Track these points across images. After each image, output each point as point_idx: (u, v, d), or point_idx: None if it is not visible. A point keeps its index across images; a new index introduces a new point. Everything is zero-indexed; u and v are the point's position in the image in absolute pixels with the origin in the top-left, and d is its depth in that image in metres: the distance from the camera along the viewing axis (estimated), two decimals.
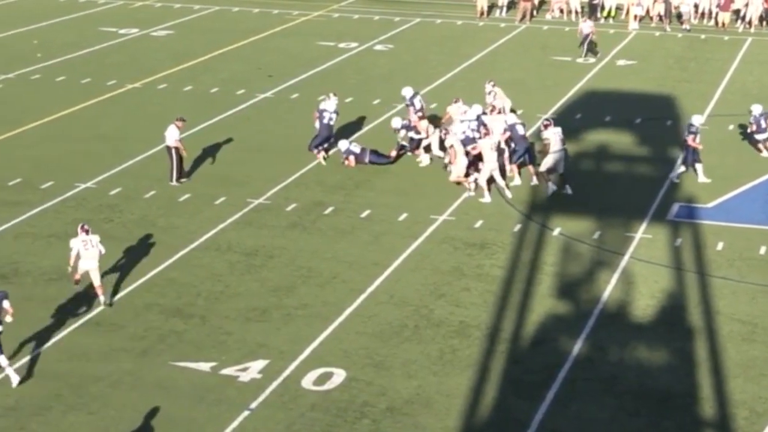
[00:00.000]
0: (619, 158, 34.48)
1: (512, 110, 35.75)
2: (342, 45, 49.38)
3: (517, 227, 29.04)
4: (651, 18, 54.35)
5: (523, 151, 32.00)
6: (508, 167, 32.02)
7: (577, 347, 22.79)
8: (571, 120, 38.08)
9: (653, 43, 50.58)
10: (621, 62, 46.72)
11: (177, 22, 54.15)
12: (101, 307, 24.33)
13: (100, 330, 23.46)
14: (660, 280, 25.93)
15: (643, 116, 38.63)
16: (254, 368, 21.89)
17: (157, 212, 29.85)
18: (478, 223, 29.22)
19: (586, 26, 47.72)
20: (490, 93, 35.68)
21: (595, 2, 54.99)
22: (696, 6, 54.86)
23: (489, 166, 30.79)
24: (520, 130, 32.09)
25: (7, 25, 52.25)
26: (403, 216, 29.66)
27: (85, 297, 24.83)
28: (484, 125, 31.80)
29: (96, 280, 24.49)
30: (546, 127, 31.46)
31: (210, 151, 34.59)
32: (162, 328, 23.52)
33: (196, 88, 42.02)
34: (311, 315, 24.21)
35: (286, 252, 27.47)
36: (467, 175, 31.32)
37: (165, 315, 24.13)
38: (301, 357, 22.33)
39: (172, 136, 31.56)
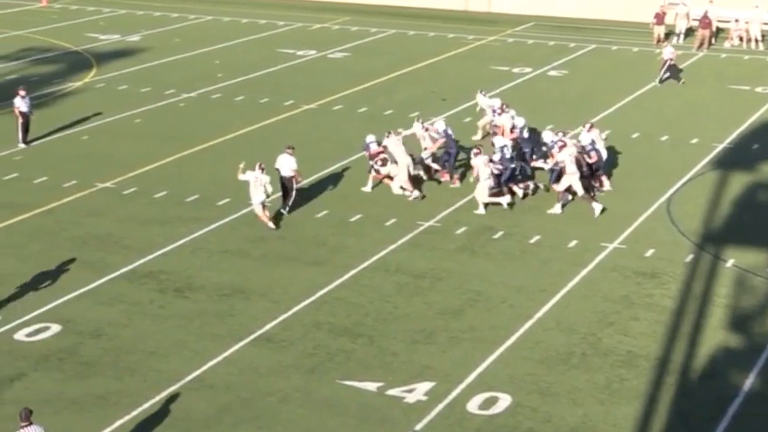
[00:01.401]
0: None
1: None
2: (516, 70, 49.36)
3: (690, 257, 28.60)
4: None
5: (559, 171, 32.04)
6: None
7: (749, 382, 22.35)
8: (747, 150, 37.37)
9: None
10: None
11: (354, 44, 54.88)
12: (273, 323, 24.84)
13: (270, 346, 23.93)
14: None
15: None
16: (420, 390, 22.03)
17: (329, 231, 30.30)
18: (649, 252, 28.87)
19: (667, 52, 46.89)
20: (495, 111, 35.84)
21: None
22: None
23: (486, 183, 31.32)
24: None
25: (191, 46, 53.70)
26: (573, 243, 29.49)
27: (256, 313, 25.39)
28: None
29: (258, 212, 30.09)
30: (561, 148, 31.12)
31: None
32: (330, 347, 23.87)
33: (371, 109, 42.51)
34: (478, 339, 24.27)
35: (455, 275, 27.60)
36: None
37: (334, 333, 24.48)
38: (467, 380, 22.41)
39: (290, 165, 31.36)
